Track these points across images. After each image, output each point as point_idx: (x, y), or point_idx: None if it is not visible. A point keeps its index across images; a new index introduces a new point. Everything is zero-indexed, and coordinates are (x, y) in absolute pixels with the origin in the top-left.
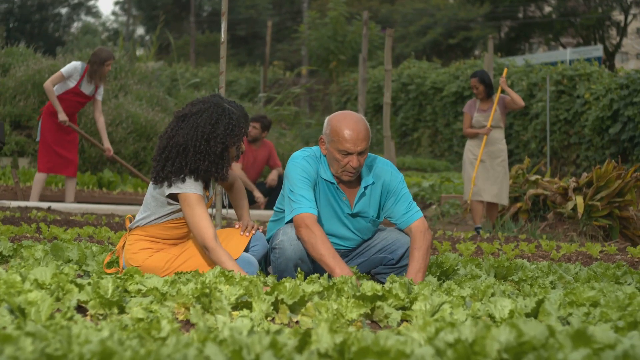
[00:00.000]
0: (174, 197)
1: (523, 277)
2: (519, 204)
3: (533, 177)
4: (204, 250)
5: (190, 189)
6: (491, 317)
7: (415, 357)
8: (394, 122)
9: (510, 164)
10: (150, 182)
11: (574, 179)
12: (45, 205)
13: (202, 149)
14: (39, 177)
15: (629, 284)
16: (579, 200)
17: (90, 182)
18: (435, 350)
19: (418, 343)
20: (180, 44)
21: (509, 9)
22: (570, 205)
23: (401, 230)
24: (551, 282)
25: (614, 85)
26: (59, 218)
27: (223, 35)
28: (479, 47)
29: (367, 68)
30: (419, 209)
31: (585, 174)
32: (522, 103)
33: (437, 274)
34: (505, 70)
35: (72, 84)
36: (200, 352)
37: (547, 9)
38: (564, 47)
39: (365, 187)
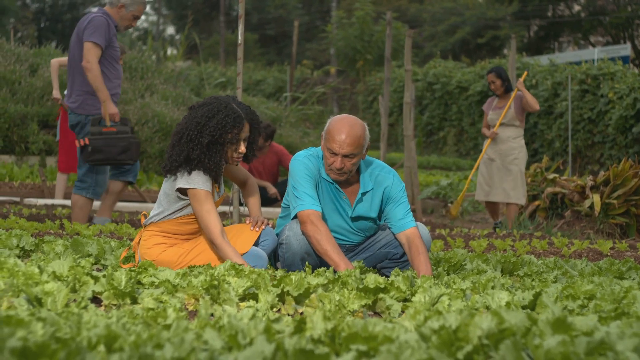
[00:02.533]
0: (183, 192)
1: (528, 272)
2: (537, 202)
3: (551, 176)
4: (211, 246)
5: (198, 184)
6: (488, 308)
7: (400, 342)
8: (419, 121)
9: (535, 163)
10: (164, 179)
11: (591, 177)
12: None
13: (193, 137)
14: (61, 177)
15: (633, 279)
16: (596, 198)
17: None
18: (421, 336)
19: (405, 329)
20: (210, 44)
21: (538, 7)
22: (587, 203)
23: (394, 236)
24: (555, 277)
25: (637, 84)
26: None
27: (240, 38)
28: (507, 46)
29: (392, 68)
30: (414, 219)
31: (602, 173)
32: (536, 107)
33: (445, 268)
34: (525, 73)
35: None
36: (199, 336)
37: (577, 7)
38: (594, 45)
39: (363, 194)
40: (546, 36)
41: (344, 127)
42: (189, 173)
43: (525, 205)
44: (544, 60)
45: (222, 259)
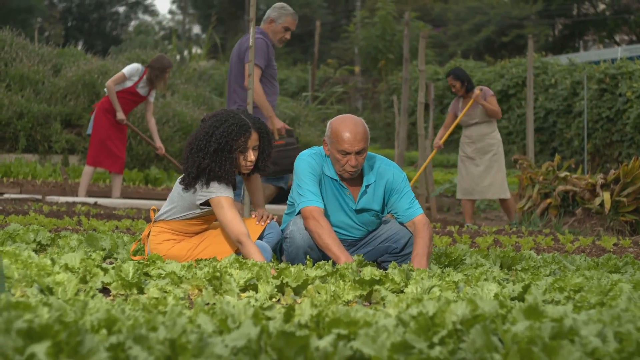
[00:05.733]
0: (206, 202)
1: (526, 266)
2: (548, 200)
3: (563, 174)
4: (238, 245)
5: (218, 191)
6: None
7: (378, 326)
8: (441, 120)
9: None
10: (178, 180)
11: (602, 175)
12: (91, 200)
13: (202, 146)
14: (87, 170)
15: (629, 274)
16: (606, 196)
17: (137, 178)
18: (400, 321)
19: (385, 315)
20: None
21: (563, 6)
22: (597, 201)
23: (402, 225)
24: (552, 271)
25: None
26: (102, 212)
27: (251, 40)
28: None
29: (410, 67)
30: (420, 206)
31: (613, 171)
32: (499, 115)
33: (446, 263)
34: (478, 92)
35: (129, 83)
36: (192, 321)
37: (601, 6)
38: (618, 44)
39: (367, 186)
40: (571, 35)
41: (349, 127)
42: (207, 185)
43: (536, 202)
44: (563, 59)
45: (228, 251)
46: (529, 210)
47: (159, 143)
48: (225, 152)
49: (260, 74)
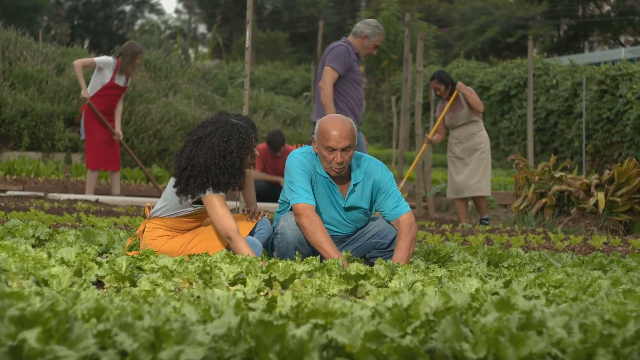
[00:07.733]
0: (198, 200)
1: (512, 263)
2: (544, 200)
3: (558, 174)
4: (227, 241)
5: (212, 190)
6: None
7: (353, 317)
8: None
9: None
10: (171, 179)
11: (596, 175)
12: (93, 198)
13: (222, 164)
14: (91, 175)
15: (613, 271)
16: (601, 196)
17: (139, 176)
18: (376, 312)
19: (362, 307)
20: (241, 42)
21: (568, 7)
22: (592, 201)
23: (389, 223)
24: (537, 269)
25: None
26: (102, 209)
27: (248, 42)
28: (537, 46)
29: (412, 68)
30: (407, 204)
31: (607, 171)
32: (480, 109)
33: (434, 259)
34: (460, 83)
35: (107, 79)
36: (177, 310)
37: (606, 7)
38: (623, 45)
39: (355, 184)
40: (576, 36)
41: (336, 124)
42: (204, 192)
43: (532, 202)
44: (564, 60)
45: (220, 246)
46: (524, 210)
47: (118, 129)
48: (242, 162)
49: (336, 77)
